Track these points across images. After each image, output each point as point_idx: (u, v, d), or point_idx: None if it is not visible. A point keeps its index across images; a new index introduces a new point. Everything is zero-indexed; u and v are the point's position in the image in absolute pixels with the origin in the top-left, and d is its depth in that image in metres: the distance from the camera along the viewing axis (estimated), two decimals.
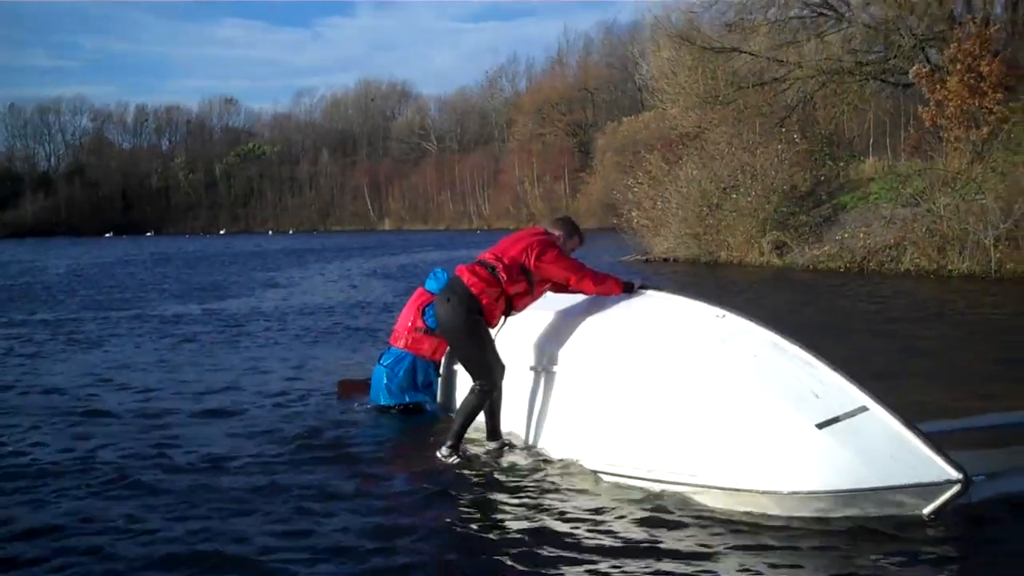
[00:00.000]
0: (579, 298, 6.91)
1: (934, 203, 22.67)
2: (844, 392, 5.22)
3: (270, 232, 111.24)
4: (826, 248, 26.16)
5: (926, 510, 4.95)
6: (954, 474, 4.75)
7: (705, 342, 5.86)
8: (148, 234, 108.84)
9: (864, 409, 5.10)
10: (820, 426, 5.07)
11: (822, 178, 29.79)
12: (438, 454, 6.60)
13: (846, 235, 25.67)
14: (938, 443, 4.90)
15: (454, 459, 6.54)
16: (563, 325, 6.81)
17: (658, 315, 6.38)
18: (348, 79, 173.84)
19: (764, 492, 5.15)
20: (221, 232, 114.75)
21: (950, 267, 21.82)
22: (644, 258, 31.31)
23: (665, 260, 30.58)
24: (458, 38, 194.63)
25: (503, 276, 6.55)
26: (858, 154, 32.85)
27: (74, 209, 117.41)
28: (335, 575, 4.59)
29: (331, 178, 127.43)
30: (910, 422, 5.00)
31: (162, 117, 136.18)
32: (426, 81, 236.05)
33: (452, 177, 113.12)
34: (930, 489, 4.84)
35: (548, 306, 7.04)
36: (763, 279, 23.82)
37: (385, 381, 8.03)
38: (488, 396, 6.67)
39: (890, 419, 5.02)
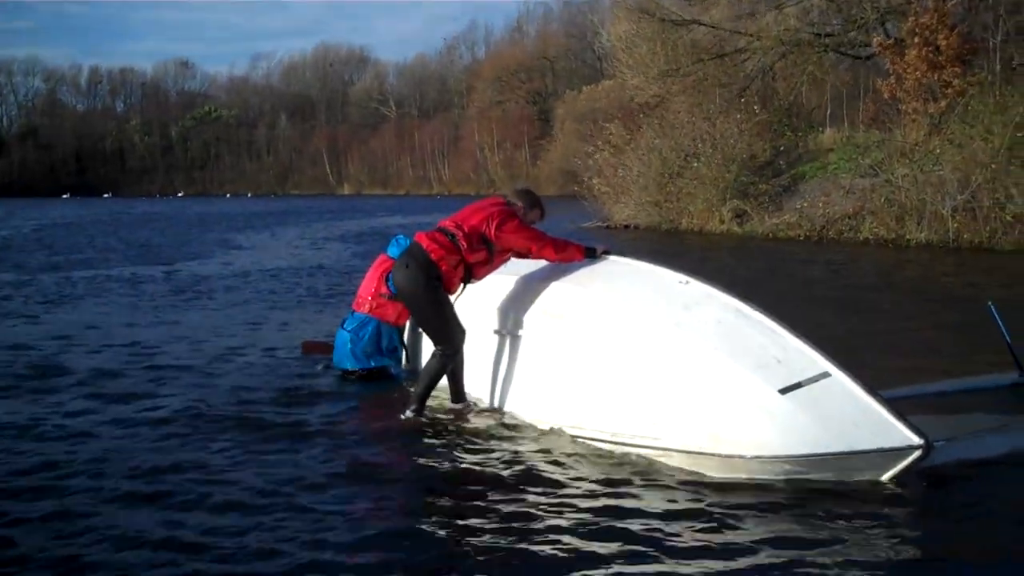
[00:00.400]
0: (543, 263, 6.89)
1: (892, 174, 22.89)
2: (806, 358, 5.26)
3: (228, 196, 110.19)
4: (786, 217, 26.36)
5: (886, 475, 5.02)
6: (915, 440, 4.81)
7: (668, 307, 5.87)
8: (105, 196, 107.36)
9: (826, 375, 5.13)
10: (783, 391, 5.10)
11: (781, 148, 29.87)
12: (402, 416, 6.64)
13: (805, 204, 25.91)
14: (899, 409, 4.96)
15: (419, 419, 6.58)
16: (527, 289, 6.80)
17: (622, 280, 6.40)
18: (306, 44, 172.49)
19: (727, 456, 5.19)
20: (179, 195, 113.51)
21: (908, 236, 22.08)
22: (605, 225, 31.36)
23: (626, 227, 30.62)
24: (417, 6, 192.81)
25: (463, 244, 6.52)
26: (816, 125, 33.01)
27: (27, 170, 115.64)
28: (292, 536, 4.50)
29: (289, 142, 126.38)
30: (872, 388, 5.05)
31: (116, 79, 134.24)
32: (384, 47, 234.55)
33: (412, 143, 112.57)
34: (892, 454, 4.90)
35: (512, 271, 7.02)
36: (723, 247, 23.95)
37: (350, 346, 8.00)
38: (450, 361, 6.69)
39: (852, 385, 5.06)
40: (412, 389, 6.88)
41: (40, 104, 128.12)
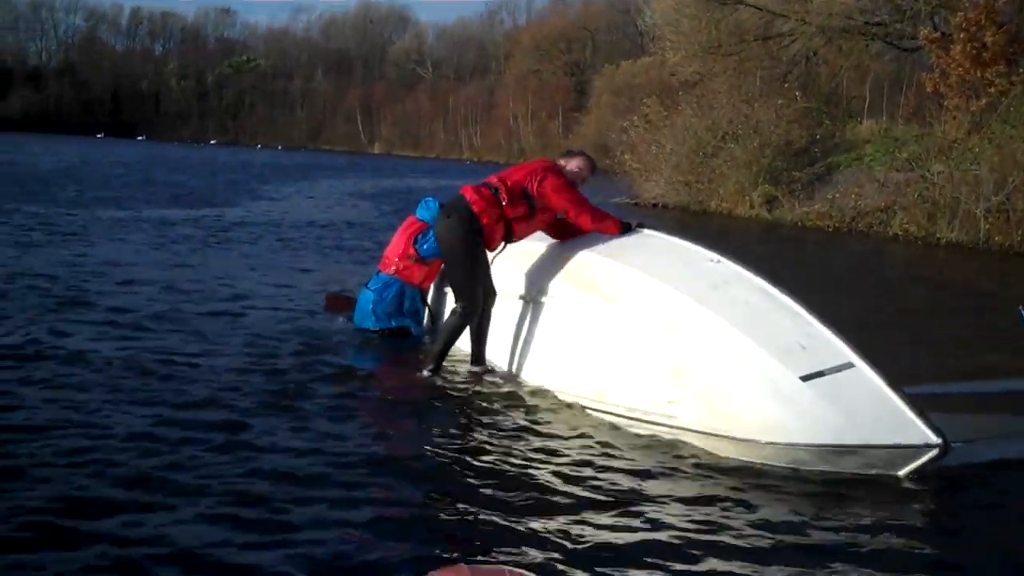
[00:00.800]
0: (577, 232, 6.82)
1: (928, 170, 22.62)
2: (831, 346, 5.21)
3: (259, 146, 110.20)
4: (816, 206, 26.08)
5: (902, 471, 4.96)
6: (934, 439, 4.76)
7: (696, 284, 5.83)
8: (140, 138, 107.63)
9: (850, 365, 5.08)
10: (804, 378, 5.06)
11: (818, 136, 29.57)
12: (418, 374, 6.65)
13: (837, 194, 25.63)
14: (920, 406, 4.89)
15: (436, 379, 6.59)
16: (556, 256, 6.76)
17: (651, 253, 6.37)
18: (347, 0, 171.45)
19: (741, 440, 5.15)
20: (212, 142, 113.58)
21: (939, 235, 21.78)
22: (633, 202, 31.18)
23: (654, 205, 30.40)
24: None
25: (504, 198, 6.53)
26: (855, 115, 32.70)
27: (63, 107, 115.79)
28: (304, 496, 4.40)
29: (324, 97, 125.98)
30: (894, 383, 4.99)
31: (157, 22, 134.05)
32: (426, 8, 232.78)
33: (446, 106, 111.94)
34: (908, 452, 4.85)
35: (544, 238, 6.98)
36: (751, 231, 23.83)
37: (372, 306, 7.96)
38: (469, 319, 6.68)
39: (875, 378, 5.01)
40: (431, 347, 6.86)
41: (79, 41, 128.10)
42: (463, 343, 6.92)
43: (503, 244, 6.79)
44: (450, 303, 7.17)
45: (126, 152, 57.70)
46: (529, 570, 3.34)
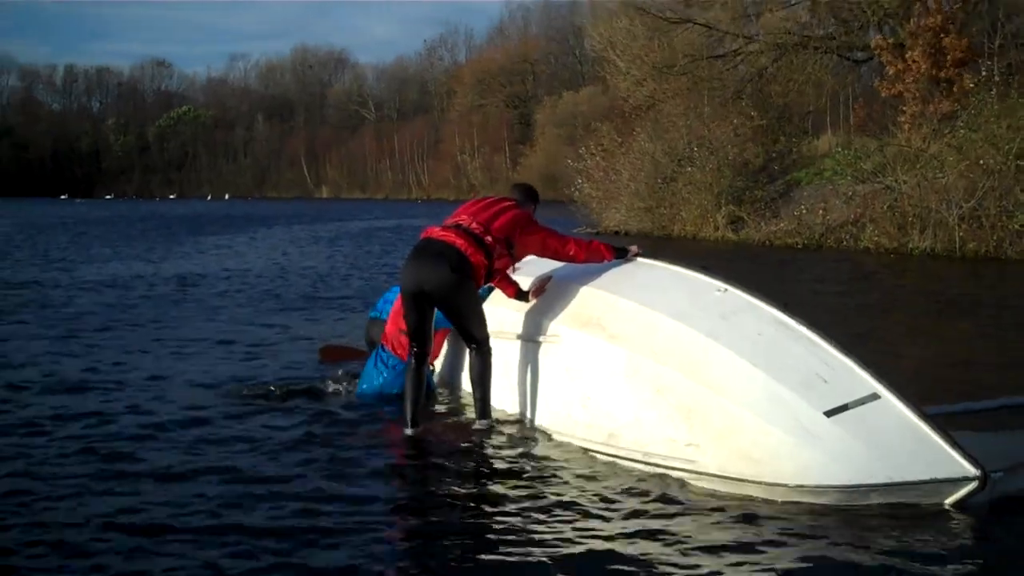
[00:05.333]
0: (571, 266, 6.46)
1: (895, 180, 22.38)
2: (854, 377, 4.92)
3: (209, 197, 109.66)
4: (783, 224, 25.95)
5: (947, 501, 4.63)
6: (972, 471, 4.49)
7: (705, 317, 5.47)
8: (107, 197, 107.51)
9: (875, 396, 4.82)
10: (829, 414, 4.77)
11: (774, 154, 29.52)
12: (476, 426, 6.28)
13: (803, 211, 25.43)
14: (952, 435, 4.62)
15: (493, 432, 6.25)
16: (555, 292, 6.37)
17: (655, 286, 5.98)
18: (283, 46, 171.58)
19: (768, 484, 4.83)
20: (171, 196, 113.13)
21: (911, 245, 21.54)
22: (595, 231, 30.82)
23: (616, 233, 30.10)
24: (396, 6, 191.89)
25: (493, 249, 6.11)
26: (811, 130, 32.73)
27: (2, 170, 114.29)
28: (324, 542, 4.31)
29: (267, 144, 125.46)
30: (923, 412, 4.71)
31: (92, 78, 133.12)
32: (364, 49, 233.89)
33: (391, 146, 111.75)
34: (946, 485, 4.56)
35: (535, 272, 6.62)
36: (718, 254, 23.50)
37: (383, 382, 7.33)
38: (489, 353, 6.25)
39: (903, 408, 4.77)
40: (474, 402, 6.41)
41: (16, 102, 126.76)
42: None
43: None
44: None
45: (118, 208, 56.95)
46: None
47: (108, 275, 17.71)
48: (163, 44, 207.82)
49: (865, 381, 4.86)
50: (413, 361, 6.25)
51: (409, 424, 6.18)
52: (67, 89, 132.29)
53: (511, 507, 4.83)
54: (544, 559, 4.15)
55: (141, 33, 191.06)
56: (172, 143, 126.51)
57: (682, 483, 5.09)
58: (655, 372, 5.37)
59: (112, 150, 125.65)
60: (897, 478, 4.57)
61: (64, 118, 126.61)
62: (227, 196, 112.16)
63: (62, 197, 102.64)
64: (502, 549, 4.28)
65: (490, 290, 6.71)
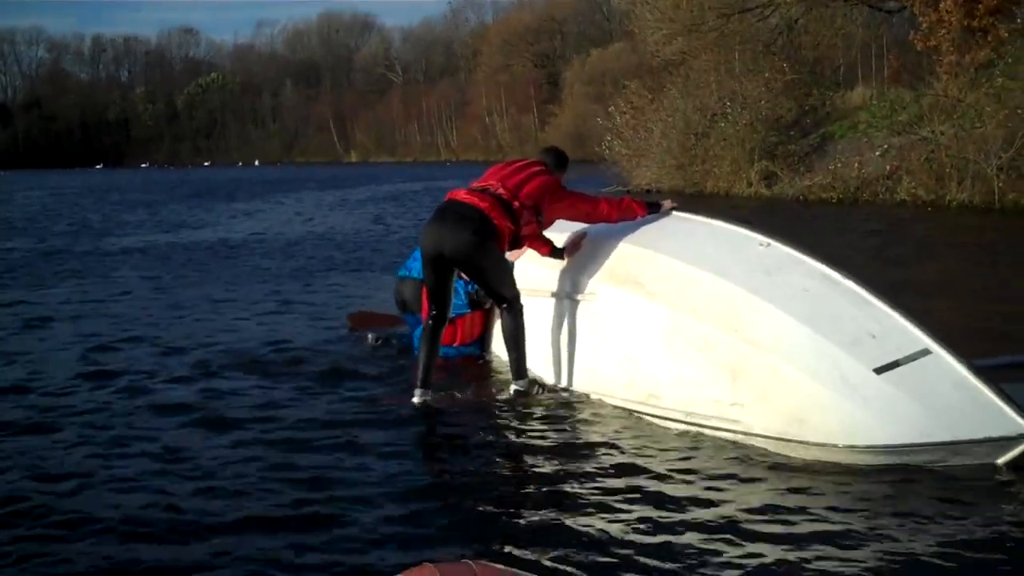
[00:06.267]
0: (606, 224, 6.27)
1: (932, 131, 21.97)
2: (904, 333, 4.75)
3: (240, 164, 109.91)
4: (817, 178, 25.51)
5: (1000, 460, 4.46)
6: None
7: (748, 273, 5.31)
8: (143, 165, 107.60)
9: (927, 352, 4.63)
10: (879, 371, 4.61)
11: (807, 107, 29.09)
12: (512, 388, 6.13)
13: (838, 165, 25.03)
14: (1006, 391, 4.39)
15: (536, 390, 6.14)
16: (591, 249, 6.20)
17: (696, 241, 5.79)
18: (310, 11, 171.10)
19: (816, 444, 4.68)
20: (205, 164, 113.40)
21: (949, 197, 21.10)
22: (626, 189, 30.58)
23: (647, 191, 29.82)
24: None
25: (520, 214, 5.96)
26: (844, 82, 32.22)
27: (31, 141, 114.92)
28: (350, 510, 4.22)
29: (295, 110, 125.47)
30: (976, 367, 4.53)
31: (120, 48, 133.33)
32: (389, 12, 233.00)
33: (418, 109, 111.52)
34: (1001, 443, 4.39)
35: (571, 228, 6.45)
36: (752, 209, 23.21)
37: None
38: (520, 312, 6.09)
39: (955, 364, 4.57)
40: (509, 362, 6.24)
41: (44, 74, 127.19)
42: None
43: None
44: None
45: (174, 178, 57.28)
46: None
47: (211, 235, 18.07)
48: (190, 12, 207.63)
49: (916, 336, 4.70)
50: (431, 323, 6.12)
51: (419, 385, 6.07)
52: (95, 59, 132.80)
53: (548, 468, 4.78)
54: (586, 523, 4.06)
55: (168, 1, 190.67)
56: (200, 111, 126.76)
57: (726, 443, 4.96)
58: (697, 330, 5.22)
59: (141, 119, 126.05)
60: (950, 436, 4.41)
61: (92, 88, 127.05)
62: (256, 163, 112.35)
63: (97, 167, 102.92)
64: (542, 513, 4.19)
65: None
